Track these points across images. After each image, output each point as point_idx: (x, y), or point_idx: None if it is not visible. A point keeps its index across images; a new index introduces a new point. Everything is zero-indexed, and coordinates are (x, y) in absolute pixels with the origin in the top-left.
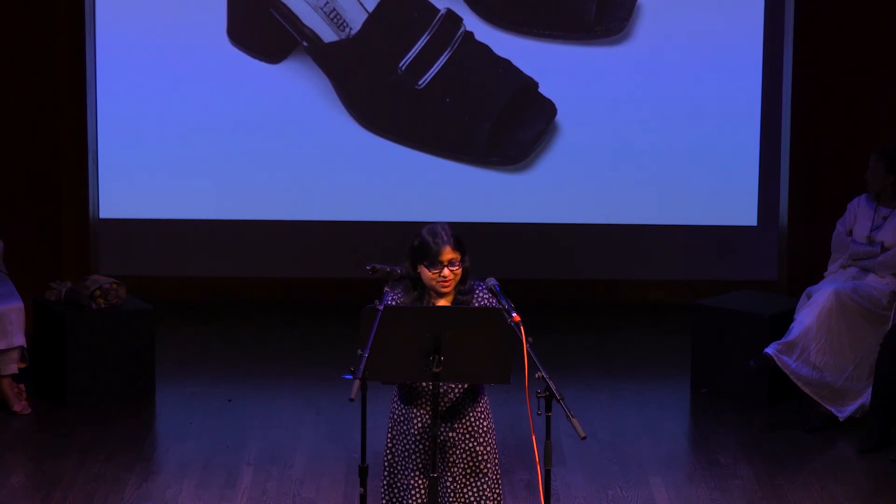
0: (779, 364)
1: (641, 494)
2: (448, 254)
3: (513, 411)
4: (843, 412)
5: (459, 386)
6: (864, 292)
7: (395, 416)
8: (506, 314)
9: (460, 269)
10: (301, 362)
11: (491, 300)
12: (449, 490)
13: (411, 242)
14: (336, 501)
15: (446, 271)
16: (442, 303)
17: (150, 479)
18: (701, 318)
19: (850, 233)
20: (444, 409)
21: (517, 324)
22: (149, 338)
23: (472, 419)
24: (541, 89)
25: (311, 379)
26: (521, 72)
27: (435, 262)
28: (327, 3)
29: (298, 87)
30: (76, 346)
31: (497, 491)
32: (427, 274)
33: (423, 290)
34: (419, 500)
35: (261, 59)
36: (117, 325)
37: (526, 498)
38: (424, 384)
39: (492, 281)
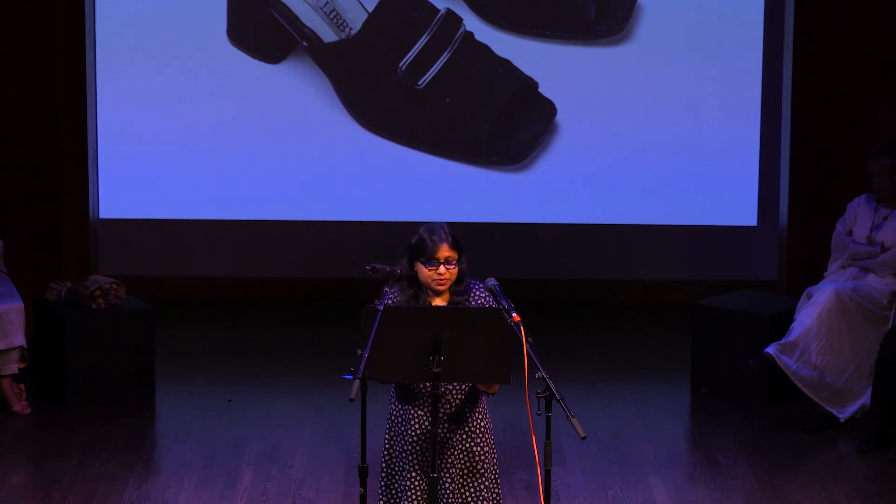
0: (779, 364)
1: (641, 494)
2: (445, 251)
3: (513, 411)
4: (844, 413)
5: (460, 388)
6: (864, 292)
7: (394, 417)
8: (506, 314)
9: (456, 269)
10: (301, 362)
11: (488, 299)
12: (447, 491)
13: (409, 240)
14: (336, 501)
15: (442, 269)
16: (438, 302)
17: (150, 479)
18: (701, 318)
19: (850, 233)
20: (447, 412)
21: (517, 324)
22: (149, 338)
23: (470, 419)
24: (541, 89)
25: (311, 379)
26: (521, 72)
27: (431, 260)
28: (327, 3)
29: (298, 87)
30: (76, 346)
31: (496, 491)
32: (424, 271)
33: (419, 289)
34: (417, 501)
35: (261, 59)
36: (117, 325)
37: (526, 498)
38: (420, 385)
39: (492, 281)
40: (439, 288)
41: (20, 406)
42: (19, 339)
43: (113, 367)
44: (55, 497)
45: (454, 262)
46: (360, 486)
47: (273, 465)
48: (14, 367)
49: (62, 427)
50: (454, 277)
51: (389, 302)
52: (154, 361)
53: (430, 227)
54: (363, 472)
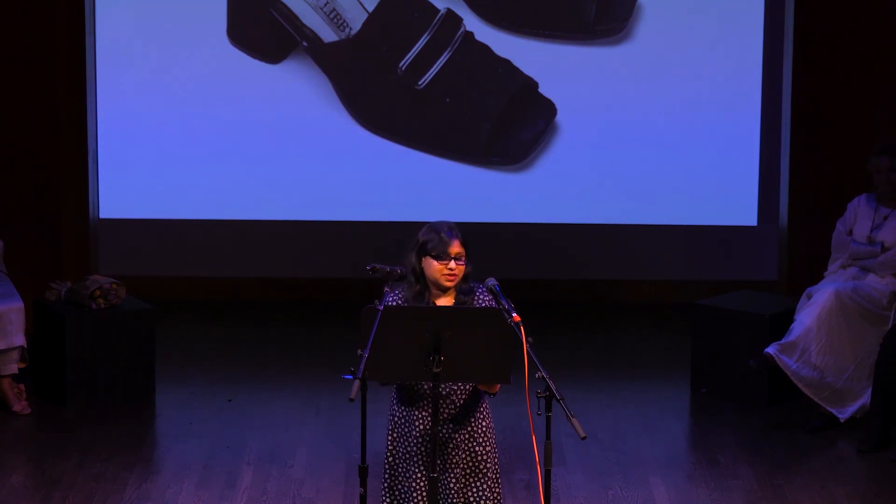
0: (779, 364)
1: (641, 494)
2: (456, 247)
3: (513, 411)
4: (844, 413)
5: (463, 388)
6: (864, 292)
7: (396, 419)
8: (506, 314)
9: (464, 266)
10: (301, 362)
11: (491, 302)
12: (451, 491)
13: (416, 237)
14: (336, 501)
15: (453, 264)
16: (443, 302)
17: (150, 479)
18: (701, 318)
19: (851, 232)
20: (450, 412)
21: (517, 324)
22: (149, 338)
23: (473, 420)
24: (541, 89)
25: (311, 379)
26: (521, 72)
27: (443, 254)
28: (327, 3)
29: (298, 87)
30: (76, 346)
31: (497, 491)
32: (434, 266)
33: (425, 286)
34: (422, 501)
35: (261, 59)
36: (117, 325)
37: (526, 498)
38: (425, 386)
39: (492, 281)
40: (448, 284)
41: (20, 406)
42: (19, 339)
43: (113, 367)
44: (55, 497)
45: (463, 258)
46: (360, 486)
47: (273, 465)
48: (14, 367)
49: (62, 427)
50: (461, 274)
51: (391, 301)
52: (154, 361)
53: (438, 224)
54: (363, 472)
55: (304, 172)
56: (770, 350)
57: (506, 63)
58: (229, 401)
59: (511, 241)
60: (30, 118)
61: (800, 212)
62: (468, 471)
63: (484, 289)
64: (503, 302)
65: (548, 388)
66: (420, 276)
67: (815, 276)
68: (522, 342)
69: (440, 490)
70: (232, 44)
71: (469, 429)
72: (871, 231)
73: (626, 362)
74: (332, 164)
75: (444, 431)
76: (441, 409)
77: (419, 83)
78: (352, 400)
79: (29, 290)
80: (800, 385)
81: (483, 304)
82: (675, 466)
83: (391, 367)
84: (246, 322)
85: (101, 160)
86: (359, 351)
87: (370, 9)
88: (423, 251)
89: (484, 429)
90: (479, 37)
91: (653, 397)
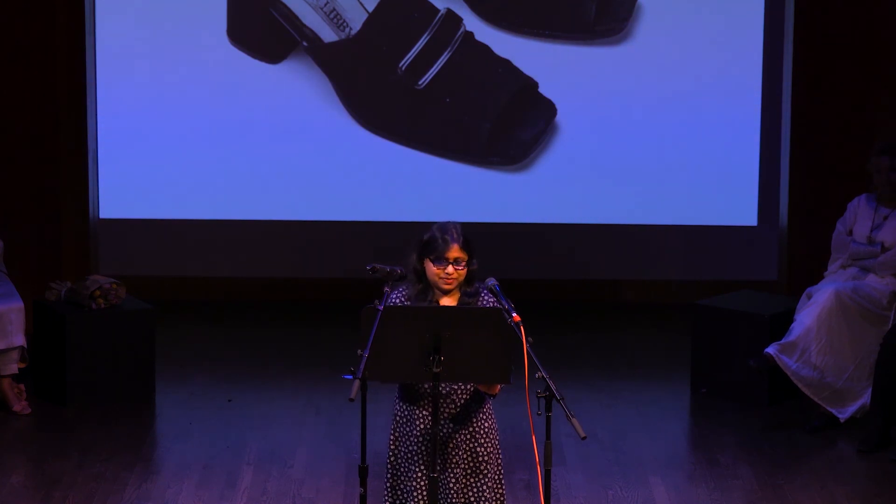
0: (779, 364)
1: (641, 494)
2: (455, 252)
3: (513, 411)
4: (844, 413)
5: (465, 388)
6: (864, 292)
7: (398, 418)
8: (506, 314)
9: (465, 270)
10: (301, 362)
11: (495, 305)
12: (451, 490)
13: (421, 236)
14: (336, 501)
15: (450, 269)
16: (447, 302)
17: (150, 479)
18: (701, 318)
19: (851, 232)
20: (451, 412)
21: (517, 324)
22: (149, 338)
23: (475, 420)
24: (541, 89)
25: (311, 379)
26: (521, 72)
27: (441, 259)
28: (327, 3)
29: (298, 87)
30: (76, 346)
31: (499, 492)
32: (432, 269)
33: (427, 285)
34: (423, 501)
35: (261, 59)
36: (117, 325)
37: (526, 498)
38: (426, 385)
39: (492, 281)
40: (446, 287)
41: (20, 406)
42: (19, 339)
43: (113, 367)
44: (55, 497)
45: (463, 263)
46: (360, 486)
47: (273, 465)
48: (14, 367)
49: (62, 427)
50: (461, 278)
51: (395, 299)
52: (154, 361)
53: (444, 225)
54: (363, 472)
55: (304, 172)
56: (770, 350)
57: (506, 63)
58: (229, 401)
59: (511, 241)
60: (30, 119)
61: (800, 212)
62: (468, 471)
63: (487, 291)
64: (503, 302)
65: (548, 387)
66: (422, 275)
67: (815, 276)
68: (522, 342)
69: (440, 490)
70: (232, 44)
71: (471, 429)
72: (871, 231)
73: (626, 362)
74: (332, 164)
75: (445, 431)
76: (442, 409)
77: (419, 83)
78: (352, 400)
79: (29, 290)
80: (800, 385)
81: (488, 306)
82: (675, 466)
83: (391, 367)
84: (246, 322)
85: (101, 160)
86: (359, 351)
87: (370, 9)
88: (423, 252)
89: (486, 429)
90: (479, 37)
91: (653, 397)
